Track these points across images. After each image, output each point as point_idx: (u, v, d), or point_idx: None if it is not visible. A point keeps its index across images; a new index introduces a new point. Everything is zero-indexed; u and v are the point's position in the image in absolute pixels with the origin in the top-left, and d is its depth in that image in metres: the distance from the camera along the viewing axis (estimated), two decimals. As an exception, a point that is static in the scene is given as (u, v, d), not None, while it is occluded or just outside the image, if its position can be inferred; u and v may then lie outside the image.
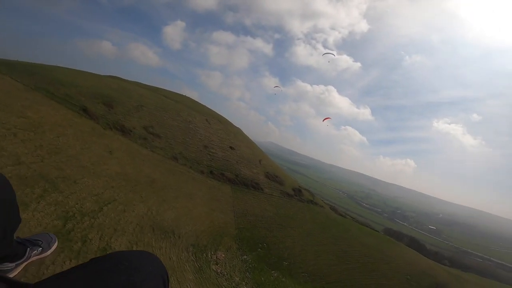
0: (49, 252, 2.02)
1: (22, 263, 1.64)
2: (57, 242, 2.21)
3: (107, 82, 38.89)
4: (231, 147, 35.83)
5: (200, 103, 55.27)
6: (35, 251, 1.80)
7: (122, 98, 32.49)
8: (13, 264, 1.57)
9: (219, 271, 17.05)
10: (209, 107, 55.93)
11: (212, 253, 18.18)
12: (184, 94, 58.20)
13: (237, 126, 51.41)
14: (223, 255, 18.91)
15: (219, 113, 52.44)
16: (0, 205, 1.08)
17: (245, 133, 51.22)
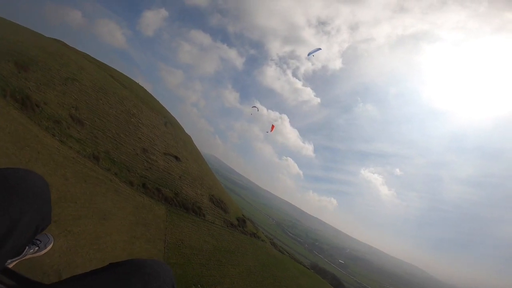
0: (43, 251, 2.01)
1: (16, 260, 1.64)
2: (53, 242, 2.14)
3: (44, 43, 29.02)
4: (176, 157, 29.51)
5: (154, 97, 47.07)
6: (32, 250, 1.82)
7: (51, 64, 23.74)
8: (9, 261, 1.53)
9: None
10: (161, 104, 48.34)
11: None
12: (137, 82, 49.04)
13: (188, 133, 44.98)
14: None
15: (172, 114, 45.24)
16: (40, 204, 1.08)
17: (195, 143, 45.05)
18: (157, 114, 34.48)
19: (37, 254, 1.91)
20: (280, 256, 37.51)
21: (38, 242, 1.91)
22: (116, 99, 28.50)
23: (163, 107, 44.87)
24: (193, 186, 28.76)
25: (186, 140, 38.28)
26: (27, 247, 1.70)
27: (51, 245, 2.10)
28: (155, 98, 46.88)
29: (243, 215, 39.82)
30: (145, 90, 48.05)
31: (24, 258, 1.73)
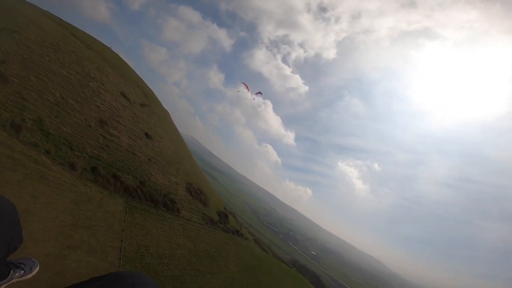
0: (30, 275, 1.97)
1: (3, 284, 1.62)
2: (38, 267, 2.10)
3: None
4: (147, 134, 23.43)
5: (128, 65, 38.99)
6: (18, 274, 1.79)
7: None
8: None
9: None
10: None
11: None
12: (110, 47, 40.11)
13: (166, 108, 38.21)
14: None
15: (149, 85, 37.98)
16: (8, 225, 1.09)
17: (173, 120, 38.49)
18: (128, 81, 27.69)
19: (24, 277, 1.84)
20: (264, 256, 33.48)
21: (23, 265, 1.85)
22: (72, 58, 21.59)
23: (139, 77, 37.59)
24: (166, 171, 23.05)
25: (162, 116, 31.85)
26: (11, 271, 1.65)
27: (37, 269, 2.03)
28: (130, 66, 39.18)
29: (224, 208, 34.97)
30: (119, 56, 40.03)
31: (11, 282, 1.67)
